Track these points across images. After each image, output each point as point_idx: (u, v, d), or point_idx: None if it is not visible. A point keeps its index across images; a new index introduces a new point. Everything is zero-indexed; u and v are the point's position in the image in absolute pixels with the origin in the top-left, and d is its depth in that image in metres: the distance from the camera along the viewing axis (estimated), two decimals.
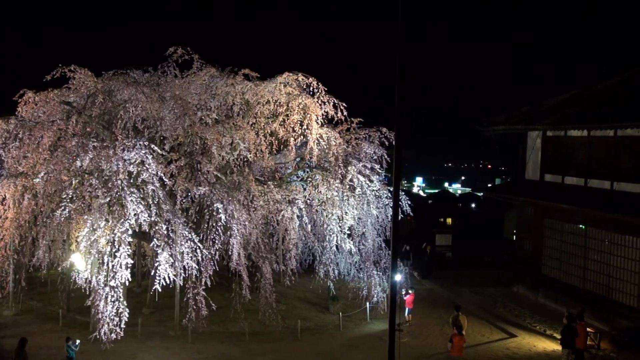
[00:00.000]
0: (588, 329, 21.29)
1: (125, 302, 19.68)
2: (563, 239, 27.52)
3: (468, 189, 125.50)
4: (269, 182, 24.28)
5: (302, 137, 24.43)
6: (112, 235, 19.22)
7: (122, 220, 19.32)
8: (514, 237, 34.13)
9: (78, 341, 18.43)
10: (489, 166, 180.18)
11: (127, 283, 19.94)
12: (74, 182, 20.74)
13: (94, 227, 19.21)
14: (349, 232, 24.97)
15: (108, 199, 19.48)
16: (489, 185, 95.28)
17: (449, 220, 73.86)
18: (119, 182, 19.55)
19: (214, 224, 20.88)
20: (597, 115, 25.49)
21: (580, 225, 26.28)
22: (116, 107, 22.22)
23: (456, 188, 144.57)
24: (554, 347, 22.13)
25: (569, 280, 26.93)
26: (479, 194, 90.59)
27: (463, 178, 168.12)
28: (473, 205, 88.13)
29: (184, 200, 21.53)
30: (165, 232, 20.06)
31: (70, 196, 19.96)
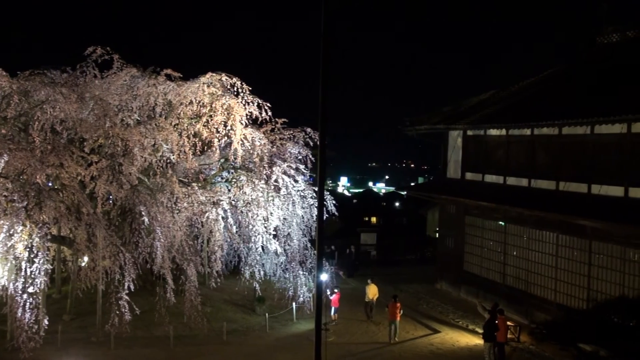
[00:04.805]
0: (508, 323, 21.86)
1: (44, 309, 19.13)
2: (484, 236, 28.25)
3: (392, 188, 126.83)
4: (193, 184, 24.00)
5: (226, 137, 24.20)
6: (30, 241, 18.62)
7: (41, 224, 18.76)
8: (437, 234, 34.80)
9: None
10: (412, 165, 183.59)
11: (46, 289, 19.43)
12: None
13: (11, 232, 18.51)
14: (274, 232, 24.96)
15: (25, 203, 18.85)
16: (412, 184, 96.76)
17: (373, 219, 74.81)
18: (37, 185, 18.97)
19: (137, 227, 20.55)
20: (514, 115, 26.26)
21: (500, 222, 27.02)
22: (33, 108, 21.46)
23: (380, 187, 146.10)
24: (477, 341, 22.67)
25: (490, 275, 27.66)
26: (402, 193, 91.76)
27: (387, 177, 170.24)
28: (397, 204, 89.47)
29: (105, 203, 21.01)
30: (86, 236, 19.59)
31: None
